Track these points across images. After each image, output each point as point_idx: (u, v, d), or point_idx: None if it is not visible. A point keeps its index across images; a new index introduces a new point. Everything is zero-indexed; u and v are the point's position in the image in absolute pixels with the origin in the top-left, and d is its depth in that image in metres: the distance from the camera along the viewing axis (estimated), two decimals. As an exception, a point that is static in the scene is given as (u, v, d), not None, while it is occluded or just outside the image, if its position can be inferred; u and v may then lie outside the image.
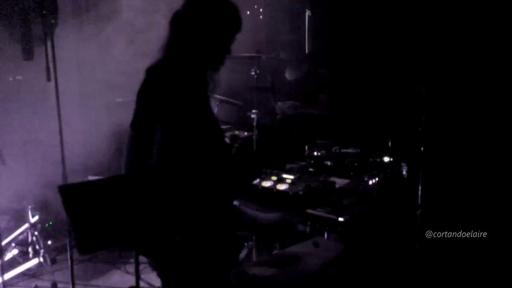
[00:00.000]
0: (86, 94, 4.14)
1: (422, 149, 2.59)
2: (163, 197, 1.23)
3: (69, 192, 0.88)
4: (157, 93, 1.49)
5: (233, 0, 1.66)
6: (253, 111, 3.37)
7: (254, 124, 3.35)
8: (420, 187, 2.49)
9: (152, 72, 1.56)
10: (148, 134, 1.46)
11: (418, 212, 2.56)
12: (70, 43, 3.75)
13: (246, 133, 3.40)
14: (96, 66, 3.81)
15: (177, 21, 1.62)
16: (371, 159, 2.72)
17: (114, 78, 3.64)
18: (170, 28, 1.64)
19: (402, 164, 2.59)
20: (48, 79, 2.73)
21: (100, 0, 4.13)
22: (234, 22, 1.65)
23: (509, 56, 3.22)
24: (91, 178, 3.40)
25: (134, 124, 1.57)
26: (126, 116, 3.80)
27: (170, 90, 1.48)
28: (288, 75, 4.12)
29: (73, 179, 3.13)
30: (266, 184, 2.18)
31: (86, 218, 0.89)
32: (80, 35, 3.96)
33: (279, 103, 3.70)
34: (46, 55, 2.71)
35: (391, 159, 2.70)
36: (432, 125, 2.93)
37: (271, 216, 1.92)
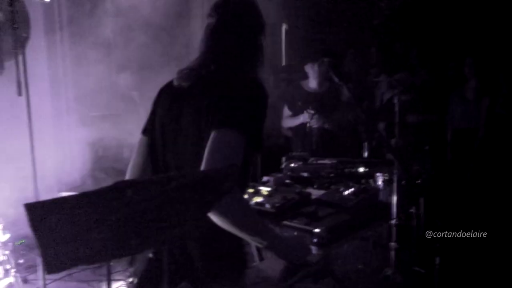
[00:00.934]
0: (59, 108, 4.08)
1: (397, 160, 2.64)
2: (139, 212, 1.21)
3: (36, 210, 0.86)
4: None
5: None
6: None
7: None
8: (395, 198, 2.52)
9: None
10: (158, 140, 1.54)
11: (393, 222, 2.60)
12: (43, 57, 3.70)
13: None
14: (70, 81, 3.76)
15: (214, 32, 1.62)
16: (346, 170, 2.75)
17: (89, 93, 3.60)
18: (208, 40, 1.63)
19: (377, 174, 2.63)
20: (19, 94, 2.68)
21: (75, 15, 4.10)
22: (258, 15, 1.70)
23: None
24: (64, 194, 3.32)
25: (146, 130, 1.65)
26: (101, 130, 3.75)
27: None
28: (307, 86, 4.06)
29: (46, 195, 3.05)
30: (243, 196, 2.18)
31: (54, 236, 0.87)
32: (54, 50, 3.91)
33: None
34: (17, 69, 2.66)
35: (367, 170, 2.74)
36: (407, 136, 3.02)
37: None
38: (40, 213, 0.86)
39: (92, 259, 0.88)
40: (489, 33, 4.00)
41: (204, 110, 1.48)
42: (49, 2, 3.05)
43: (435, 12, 4.30)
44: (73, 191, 3.41)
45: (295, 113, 4.02)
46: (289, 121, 4.11)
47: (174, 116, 1.59)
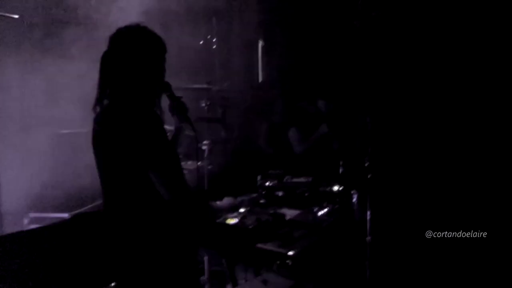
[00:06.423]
0: (29, 124, 3.96)
1: (369, 177, 2.66)
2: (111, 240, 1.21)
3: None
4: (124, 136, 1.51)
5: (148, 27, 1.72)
6: (204, 142, 3.34)
7: (205, 155, 3.31)
8: (369, 215, 2.53)
9: (108, 116, 1.59)
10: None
11: (368, 239, 2.61)
12: (12, 72, 3.60)
13: (199, 163, 3.36)
14: (40, 98, 3.67)
15: (109, 60, 1.65)
16: (321, 189, 2.75)
17: (60, 110, 3.52)
18: (103, 68, 1.67)
19: (352, 192, 2.64)
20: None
21: (46, 29, 4.03)
22: (158, 45, 1.70)
23: (447, 86, 3.44)
24: (32, 215, 3.22)
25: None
26: (71, 148, 3.63)
27: (136, 129, 1.51)
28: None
29: (11, 217, 2.96)
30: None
31: (15, 269, 0.83)
32: (23, 66, 3.82)
33: None
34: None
35: (341, 188, 2.75)
36: (378, 154, 3.04)
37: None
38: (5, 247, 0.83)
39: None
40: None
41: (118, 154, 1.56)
42: (18, 18, 2.98)
43: (409, 32, 4.36)
44: (40, 211, 3.31)
45: (307, 134, 3.74)
46: (306, 144, 3.76)
47: (97, 159, 1.68)
